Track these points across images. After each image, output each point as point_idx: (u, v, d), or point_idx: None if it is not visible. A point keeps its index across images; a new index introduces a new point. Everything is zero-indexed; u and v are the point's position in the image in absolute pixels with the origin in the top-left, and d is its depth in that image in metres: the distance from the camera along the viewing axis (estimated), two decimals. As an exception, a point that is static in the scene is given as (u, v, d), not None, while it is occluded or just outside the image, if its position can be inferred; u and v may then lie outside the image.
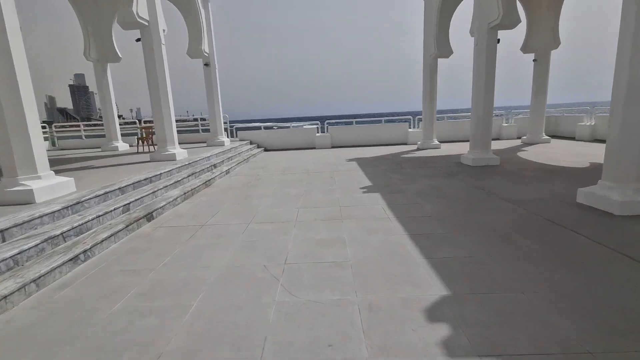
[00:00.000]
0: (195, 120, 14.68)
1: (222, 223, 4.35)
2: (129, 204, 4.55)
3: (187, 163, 7.23)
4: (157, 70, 7.43)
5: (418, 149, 11.54)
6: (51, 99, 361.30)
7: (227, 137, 13.58)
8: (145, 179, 5.53)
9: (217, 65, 11.40)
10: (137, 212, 4.51)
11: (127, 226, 4.02)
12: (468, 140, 8.48)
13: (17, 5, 3.92)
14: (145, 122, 14.22)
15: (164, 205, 4.93)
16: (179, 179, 6.22)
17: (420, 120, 13.86)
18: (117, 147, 11.45)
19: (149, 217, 4.52)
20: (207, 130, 13.18)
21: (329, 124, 13.88)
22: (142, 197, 4.90)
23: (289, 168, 8.66)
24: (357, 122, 14.01)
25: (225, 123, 13.69)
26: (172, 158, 7.70)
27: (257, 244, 3.58)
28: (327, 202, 5.15)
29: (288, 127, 13.88)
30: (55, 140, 13.64)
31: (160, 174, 6.06)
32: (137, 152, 10.26)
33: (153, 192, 5.20)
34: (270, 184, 6.71)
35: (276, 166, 9.10)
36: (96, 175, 5.93)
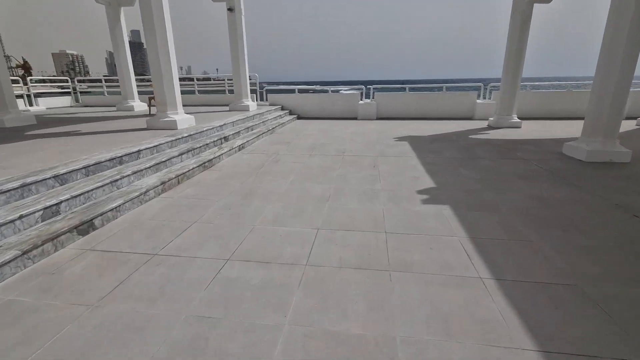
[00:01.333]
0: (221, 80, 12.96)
1: (183, 254, 2.62)
2: (58, 204, 2.96)
3: (186, 135, 5.57)
4: (153, 10, 5.63)
5: (490, 127, 8.90)
6: (111, 55, 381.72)
7: (256, 100, 11.79)
8: (110, 159, 3.94)
9: (244, 11, 9.33)
10: (66, 220, 2.91)
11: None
12: (554, 119, 5.85)
13: None
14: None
15: (117, 206, 3.30)
16: (167, 157, 4.58)
17: (493, 89, 10.95)
18: (132, 106, 10.17)
19: (81, 228, 2.91)
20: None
21: (376, 90, 11.45)
22: (90, 191, 3.30)
23: (320, 146, 6.71)
24: (410, 90, 11.41)
25: (253, 84, 11.83)
26: (172, 126, 6.09)
27: (208, 345, 1.79)
28: (364, 220, 3.21)
29: (327, 91, 11.70)
30: (79, 96, 12.76)
31: (139, 150, 4.44)
32: (150, 114, 8.85)
33: (113, 182, 3.60)
34: (288, 172, 4.86)
35: (304, 142, 7.18)
36: (45, 153, 4.46)
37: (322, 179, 4.52)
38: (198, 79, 12.45)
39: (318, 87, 13.34)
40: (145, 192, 3.69)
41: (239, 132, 7.08)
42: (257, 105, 11.34)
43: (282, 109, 11.54)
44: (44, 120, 7.95)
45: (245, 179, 4.57)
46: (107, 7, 9.46)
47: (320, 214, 3.35)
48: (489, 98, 10.96)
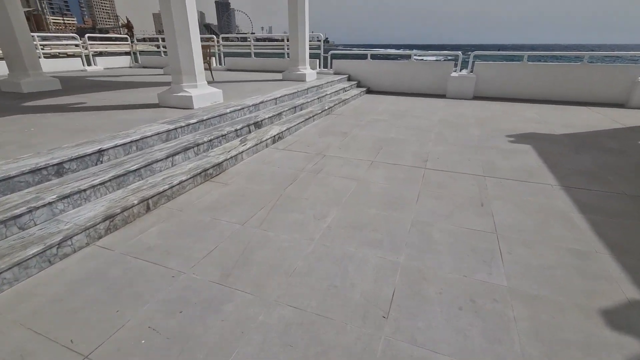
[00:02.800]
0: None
1: None
2: None
3: (195, 121, 3.90)
4: None
5: (670, 125, 5.59)
6: (202, 15, 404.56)
7: (320, 67, 9.69)
8: (31, 171, 2.44)
9: (308, -54, 7.05)
10: None
11: None
12: None
13: None
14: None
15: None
16: (143, 163, 2.97)
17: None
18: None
19: None
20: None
21: (477, 57, 8.38)
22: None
23: (390, 143, 4.53)
24: (528, 59, 8.10)
25: (316, 47, 9.69)
26: (186, 104, 4.50)
27: None
28: None
29: (408, 57, 9.00)
30: (138, 56, 12.12)
31: (100, 151, 2.88)
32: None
33: None
34: (326, 203, 2.90)
35: (369, 133, 5.04)
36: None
37: (382, 231, 2.46)
38: (258, 39, 10.71)
39: (398, 52, 10.48)
40: (62, 242, 2.11)
41: (280, 113, 5.22)
42: (318, 73, 9.26)
43: (349, 79, 9.29)
44: (75, 84, 7.09)
45: (252, 212, 2.74)
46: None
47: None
48: (662, 74, 7.16)
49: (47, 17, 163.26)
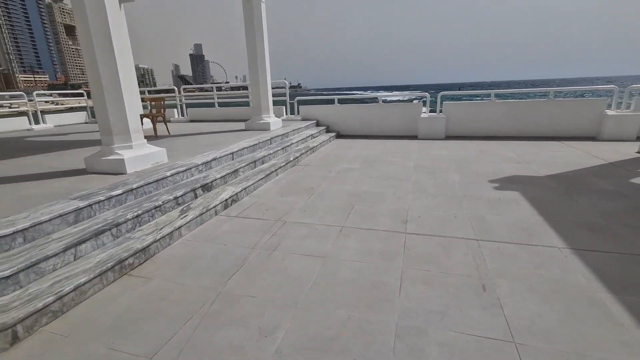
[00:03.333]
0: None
1: None
2: None
3: (121, 191, 3.14)
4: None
5: (647, 157, 5.38)
6: (176, 67, 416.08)
7: (286, 113, 9.32)
8: None
9: (265, -3, 6.90)
10: None
11: None
12: None
13: None
14: (155, 92, 10.91)
15: None
16: (8, 272, 2.14)
17: (636, 94, 7.23)
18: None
19: None
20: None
21: (445, 98, 8.27)
22: None
23: (363, 199, 3.92)
24: (496, 97, 8.05)
25: (281, 94, 9.39)
26: (117, 169, 3.75)
27: None
28: None
29: (376, 100, 8.80)
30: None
31: (-40, 253, 2.05)
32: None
33: None
34: (279, 308, 2.15)
35: (338, 188, 4.43)
36: None
37: (356, 351, 1.71)
38: (220, 89, 10.35)
39: (364, 95, 10.36)
40: None
41: (237, 170, 4.55)
42: (285, 120, 8.85)
43: (318, 124, 8.92)
44: (6, 146, 6.22)
45: (170, 330, 1.93)
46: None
47: None
48: (629, 107, 7.19)
49: (16, 75, 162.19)
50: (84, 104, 11.36)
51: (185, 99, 10.37)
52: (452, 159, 5.78)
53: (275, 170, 5.08)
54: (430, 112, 8.40)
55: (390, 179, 4.72)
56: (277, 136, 6.47)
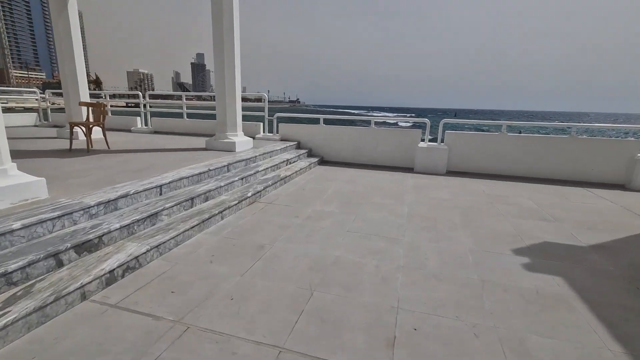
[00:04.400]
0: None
1: None
2: None
3: None
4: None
5: None
6: (177, 74, 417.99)
7: (264, 131, 8.03)
8: None
9: (240, -7, 5.71)
10: None
11: None
12: None
13: None
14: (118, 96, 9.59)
15: None
16: None
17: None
18: (77, 133, 6.86)
19: None
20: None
21: (447, 126, 7.07)
22: None
23: (329, 278, 2.56)
24: (506, 128, 6.85)
25: (258, 109, 8.15)
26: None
27: None
28: None
29: (368, 123, 7.56)
30: (49, 112, 9.95)
31: None
32: (70, 150, 5.40)
33: None
34: None
35: (298, 255, 3.07)
36: None
37: None
38: (189, 98, 9.03)
39: (362, 113, 9.09)
40: None
41: (156, 214, 3.17)
42: (261, 139, 7.56)
43: (299, 147, 7.64)
44: None
45: None
46: None
47: None
48: (666, 151, 6.04)
49: (10, 71, 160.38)
50: (37, 104, 9.92)
51: (150, 107, 9.02)
52: (457, 206, 4.48)
53: (221, 211, 3.70)
54: (429, 141, 7.18)
55: (374, 237, 3.37)
56: (239, 161, 5.13)
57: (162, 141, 7.03)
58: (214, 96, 6.03)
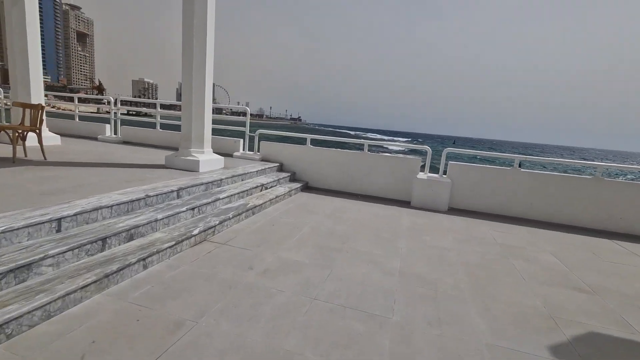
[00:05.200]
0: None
1: None
2: None
3: None
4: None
5: None
6: (182, 85, 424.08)
7: (243, 149, 7.13)
8: None
9: (219, -12, 4.92)
10: None
11: None
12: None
13: None
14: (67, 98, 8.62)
15: None
16: None
17: None
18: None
19: None
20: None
21: (450, 156, 6.16)
22: None
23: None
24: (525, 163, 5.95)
25: (240, 123, 7.30)
26: None
27: None
28: None
29: (361, 147, 6.67)
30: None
31: None
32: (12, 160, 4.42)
33: None
34: None
35: (224, 354, 2.06)
36: None
37: None
38: (164, 105, 8.13)
39: (363, 134, 8.24)
40: None
41: (37, 262, 2.15)
42: (238, 158, 6.63)
43: (281, 169, 6.70)
44: None
45: None
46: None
47: None
48: None
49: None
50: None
51: (121, 114, 8.11)
52: (463, 262, 3.49)
53: (145, 258, 2.69)
54: (430, 171, 6.26)
55: (350, 313, 2.36)
56: (197, 185, 4.16)
57: (123, 153, 6.07)
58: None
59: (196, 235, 3.31)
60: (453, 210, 5.78)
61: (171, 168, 4.99)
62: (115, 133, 8.11)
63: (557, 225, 5.33)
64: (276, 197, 5.19)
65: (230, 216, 3.90)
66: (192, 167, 4.90)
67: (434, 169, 6.29)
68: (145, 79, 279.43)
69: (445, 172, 6.00)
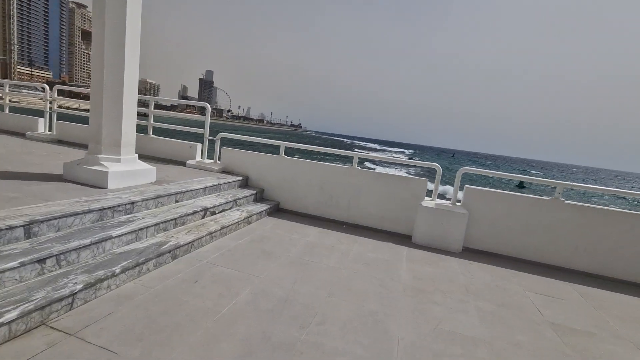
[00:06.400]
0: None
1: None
2: None
3: None
4: None
5: None
6: (184, 88, 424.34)
7: (201, 156, 5.60)
8: None
9: None
10: None
11: None
12: None
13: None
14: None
15: None
16: None
17: None
18: None
19: None
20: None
21: (466, 177, 4.65)
22: None
23: None
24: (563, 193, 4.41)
25: (198, 123, 5.80)
26: None
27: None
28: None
29: (350, 160, 5.16)
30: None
31: None
32: None
33: None
34: None
35: None
36: None
37: None
38: (163, 106, 6.63)
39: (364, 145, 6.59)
40: None
41: None
42: (191, 168, 5.09)
43: (247, 184, 5.17)
44: None
45: None
46: None
47: None
48: None
49: (14, 66, 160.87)
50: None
51: (57, 107, 6.59)
52: (493, 354, 1.94)
53: None
54: (438, 197, 4.72)
55: None
56: (81, 213, 2.61)
57: (33, 156, 4.54)
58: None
59: (15, 320, 1.75)
60: (469, 252, 4.25)
61: (70, 181, 3.45)
62: (50, 129, 6.58)
63: (605, 278, 3.80)
64: (223, 227, 3.65)
65: (117, 271, 2.35)
66: (98, 182, 3.37)
67: (443, 193, 4.76)
68: (148, 80, 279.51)
69: (459, 200, 4.48)
